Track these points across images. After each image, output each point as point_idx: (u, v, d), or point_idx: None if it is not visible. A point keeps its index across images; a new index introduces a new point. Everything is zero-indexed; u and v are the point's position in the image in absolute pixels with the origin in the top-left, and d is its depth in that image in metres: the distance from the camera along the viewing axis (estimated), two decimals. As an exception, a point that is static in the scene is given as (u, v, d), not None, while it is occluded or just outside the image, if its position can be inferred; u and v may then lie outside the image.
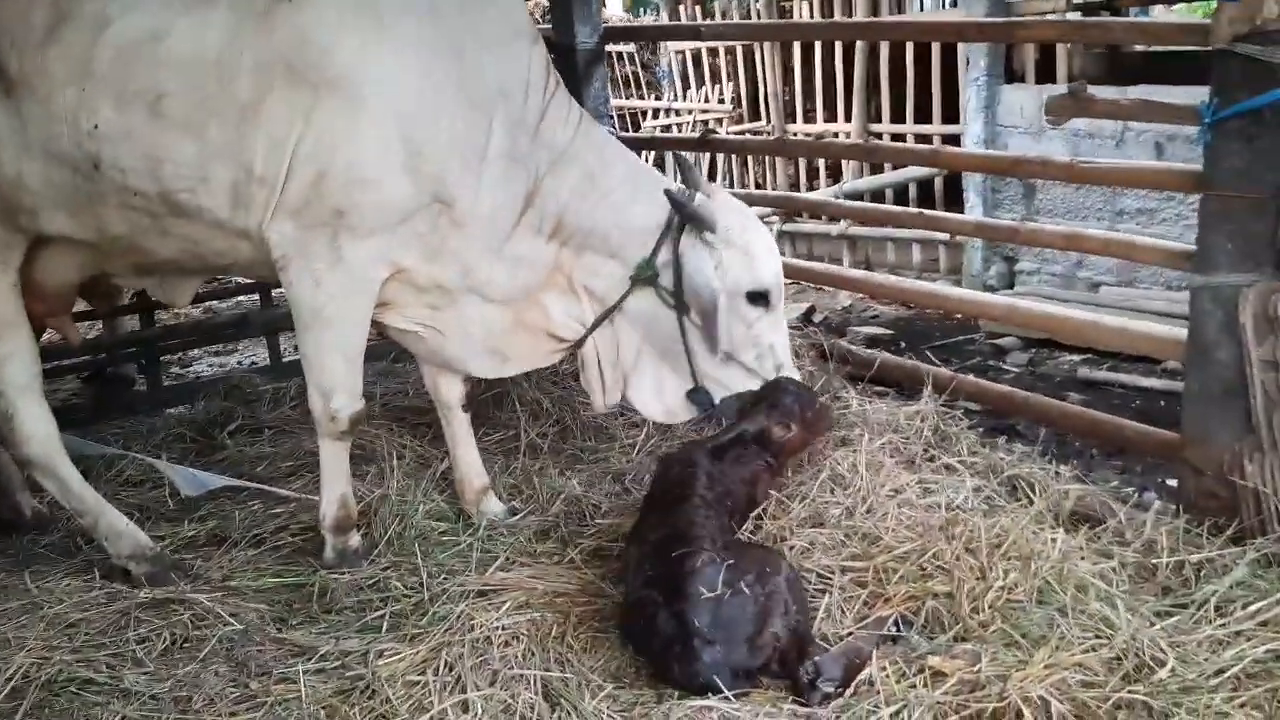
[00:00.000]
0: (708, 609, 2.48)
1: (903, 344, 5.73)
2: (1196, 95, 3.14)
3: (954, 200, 7.47)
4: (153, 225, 3.05)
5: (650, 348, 3.43)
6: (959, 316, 6.09)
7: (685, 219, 3.25)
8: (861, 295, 6.72)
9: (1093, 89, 3.75)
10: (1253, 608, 2.69)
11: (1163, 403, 4.70)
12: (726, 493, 2.96)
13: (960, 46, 7.04)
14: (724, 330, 3.25)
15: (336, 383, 3.16)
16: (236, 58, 2.89)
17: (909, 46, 7.78)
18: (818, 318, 6.59)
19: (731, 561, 2.57)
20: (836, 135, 8.55)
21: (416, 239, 3.13)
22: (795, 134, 8.96)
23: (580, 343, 3.46)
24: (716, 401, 3.39)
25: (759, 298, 3.32)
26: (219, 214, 3.01)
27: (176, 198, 2.98)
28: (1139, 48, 7.61)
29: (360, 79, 2.93)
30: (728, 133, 9.18)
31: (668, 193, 3.26)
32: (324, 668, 2.75)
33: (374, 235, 3.04)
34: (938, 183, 7.90)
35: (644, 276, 3.31)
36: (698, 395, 3.41)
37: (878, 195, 7.96)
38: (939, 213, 6.43)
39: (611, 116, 8.99)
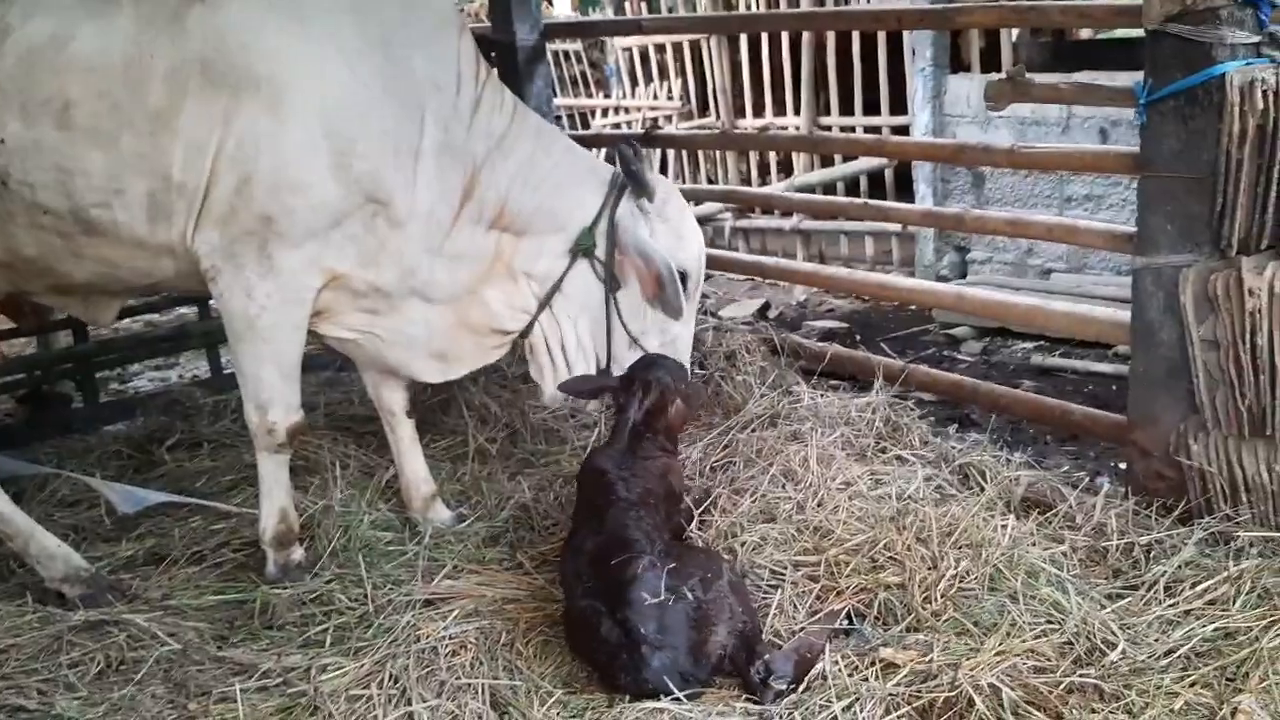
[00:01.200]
0: (653, 615, 2.43)
1: (858, 337, 5.75)
2: (1138, 79, 3.15)
3: (905, 192, 7.49)
4: (65, 246, 2.92)
5: (584, 326, 3.40)
6: (913, 308, 6.11)
7: (630, 177, 3.27)
8: (816, 289, 6.73)
9: (1037, 76, 3.76)
10: (1200, 587, 2.72)
11: (1114, 387, 4.73)
12: (647, 491, 2.91)
13: (906, 38, 7.06)
14: (662, 307, 3.24)
15: (273, 395, 3.08)
16: (147, 62, 2.78)
17: (855, 39, 7.80)
18: (773, 313, 6.59)
19: (673, 565, 2.53)
20: (785, 129, 8.53)
21: (351, 243, 3.05)
22: (745, 129, 8.93)
23: (525, 332, 3.41)
24: None
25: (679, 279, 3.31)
26: (136, 230, 2.89)
27: (89, 214, 2.85)
28: (1085, 34, 7.73)
29: (283, 78, 2.84)
30: (677, 129, 9.14)
31: (619, 148, 3.29)
32: (265, 685, 2.68)
33: (306, 241, 2.95)
34: (888, 175, 7.92)
35: (584, 247, 3.31)
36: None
37: (829, 189, 7.96)
38: (886, 202, 6.43)
39: (559, 115, 8.96)
